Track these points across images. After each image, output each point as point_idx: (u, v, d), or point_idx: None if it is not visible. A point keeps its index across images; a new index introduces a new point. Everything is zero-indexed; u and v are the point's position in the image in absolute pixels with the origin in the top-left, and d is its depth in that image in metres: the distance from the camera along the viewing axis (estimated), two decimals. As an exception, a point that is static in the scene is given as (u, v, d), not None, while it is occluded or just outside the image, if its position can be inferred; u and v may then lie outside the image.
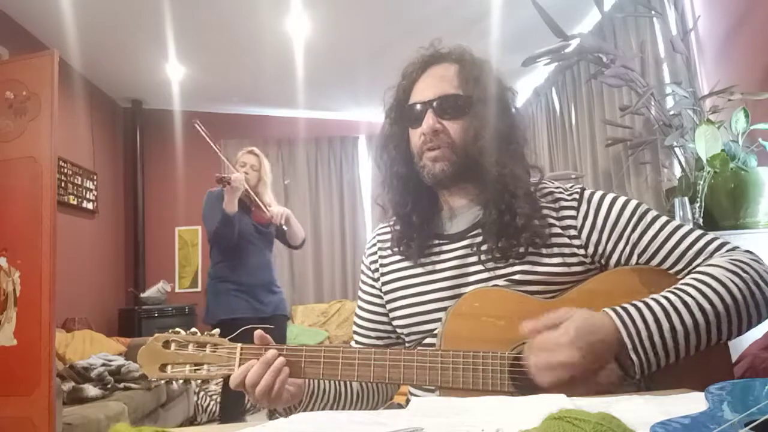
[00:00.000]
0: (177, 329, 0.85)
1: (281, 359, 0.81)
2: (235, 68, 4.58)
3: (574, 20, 3.46)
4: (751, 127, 1.98)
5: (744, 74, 2.32)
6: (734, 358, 1.04)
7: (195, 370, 0.82)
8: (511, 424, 0.52)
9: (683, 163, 2.32)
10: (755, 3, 2.27)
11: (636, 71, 2.38)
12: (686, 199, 1.97)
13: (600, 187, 3.47)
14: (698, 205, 1.97)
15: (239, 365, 0.82)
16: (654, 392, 0.65)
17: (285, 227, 2.83)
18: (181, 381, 0.82)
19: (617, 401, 0.60)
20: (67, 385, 2.78)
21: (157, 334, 0.84)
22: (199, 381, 0.83)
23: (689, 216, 1.95)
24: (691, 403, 0.55)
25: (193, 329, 0.85)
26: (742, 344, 1.09)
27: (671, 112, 2.41)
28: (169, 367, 0.82)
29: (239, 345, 0.83)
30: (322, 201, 5.59)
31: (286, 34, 3.89)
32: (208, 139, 2.84)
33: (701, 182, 1.97)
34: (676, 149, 2.34)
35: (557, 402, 0.59)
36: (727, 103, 2.12)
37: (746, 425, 0.42)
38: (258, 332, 0.84)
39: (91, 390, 2.80)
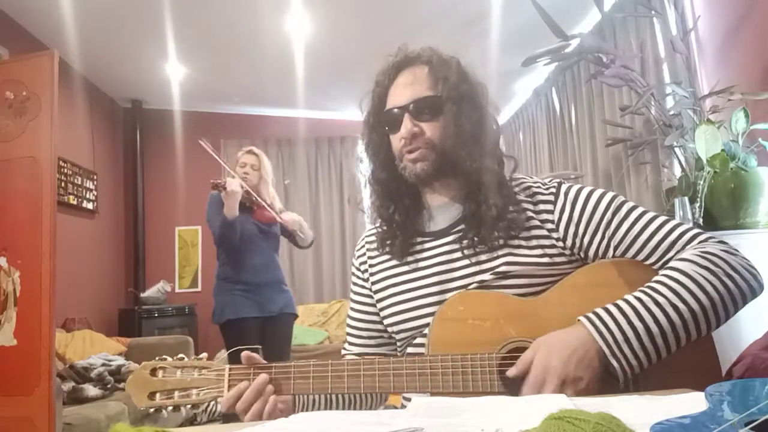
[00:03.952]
0: (164, 356, 0.86)
1: (271, 387, 0.82)
2: (235, 68, 4.58)
3: (574, 20, 3.46)
4: (751, 127, 1.98)
5: (744, 74, 2.32)
6: (734, 358, 1.04)
7: (184, 395, 0.83)
8: (511, 424, 0.52)
9: (683, 163, 2.32)
10: (755, 3, 2.27)
11: (636, 71, 2.38)
12: (686, 199, 1.97)
13: (600, 186, 3.46)
14: (698, 205, 1.97)
15: (228, 387, 0.83)
16: (654, 392, 0.65)
17: (301, 234, 2.86)
18: (170, 409, 0.82)
19: (617, 401, 0.60)
20: (67, 385, 2.78)
21: (144, 363, 0.85)
22: (189, 406, 0.83)
23: (689, 216, 1.94)
24: (691, 403, 0.55)
25: (180, 354, 0.86)
26: (742, 344, 1.08)
27: (671, 112, 2.42)
28: (158, 395, 0.83)
29: (227, 366, 0.84)
30: (322, 201, 5.59)
31: (286, 34, 3.90)
32: (213, 154, 2.86)
33: (701, 182, 1.97)
34: (676, 149, 2.34)
35: (557, 402, 0.59)
36: (727, 103, 2.12)
37: (746, 425, 0.42)
38: (245, 353, 0.84)
39: (91, 390, 2.81)
